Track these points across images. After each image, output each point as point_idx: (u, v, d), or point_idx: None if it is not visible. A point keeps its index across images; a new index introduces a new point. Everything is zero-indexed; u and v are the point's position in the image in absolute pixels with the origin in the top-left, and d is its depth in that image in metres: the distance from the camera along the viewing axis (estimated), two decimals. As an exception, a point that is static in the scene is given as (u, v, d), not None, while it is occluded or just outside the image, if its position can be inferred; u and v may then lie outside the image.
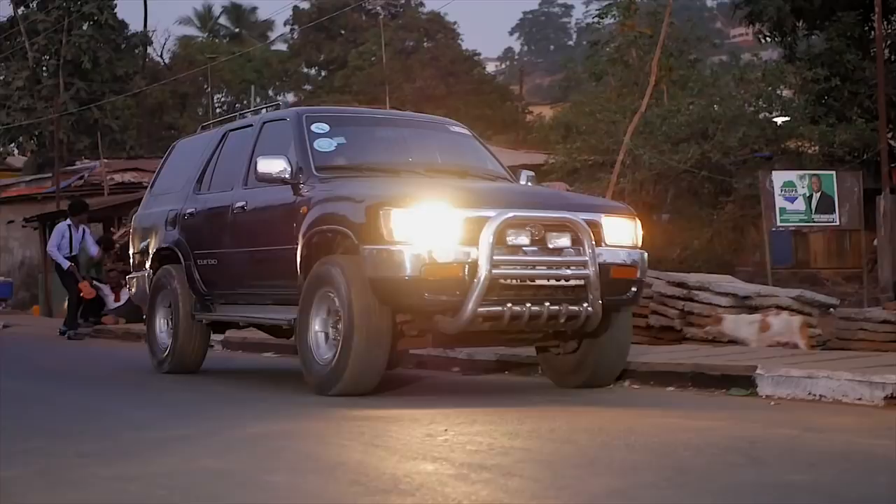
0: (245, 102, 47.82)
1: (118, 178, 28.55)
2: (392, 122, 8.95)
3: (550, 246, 6.77)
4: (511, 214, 6.63)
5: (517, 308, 6.62)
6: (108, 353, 12.90)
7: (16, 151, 44.13)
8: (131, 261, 10.36)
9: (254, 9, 60.69)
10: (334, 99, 41.14)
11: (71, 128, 38.36)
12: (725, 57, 25.12)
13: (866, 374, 6.47)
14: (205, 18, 58.40)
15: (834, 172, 15.70)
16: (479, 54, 53.55)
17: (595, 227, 6.95)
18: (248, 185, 8.22)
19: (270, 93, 52.86)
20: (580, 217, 6.88)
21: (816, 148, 21.07)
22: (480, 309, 6.50)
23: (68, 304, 16.06)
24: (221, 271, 8.58)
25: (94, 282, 16.62)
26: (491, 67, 75.64)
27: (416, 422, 5.70)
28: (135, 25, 47.31)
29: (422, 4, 54.80)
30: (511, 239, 6.65)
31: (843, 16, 22.29)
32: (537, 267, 6.72)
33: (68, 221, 15.96)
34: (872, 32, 21.16)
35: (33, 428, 5.79)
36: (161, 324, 9.45)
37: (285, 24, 58.42)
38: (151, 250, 9.61)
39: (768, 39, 24.56)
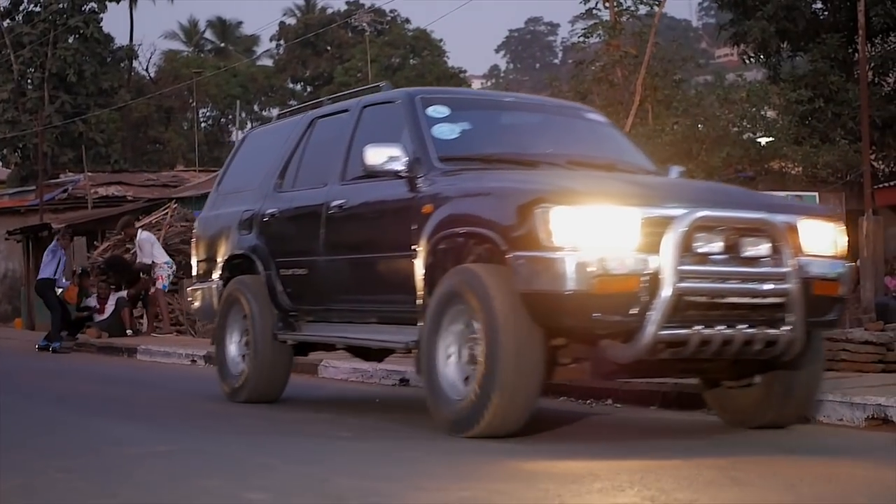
0: (230, 117, 47.88)
1: (102, 191, 28.53)
2: (520, 106, 7.85)
3: (744, 254, 5.54)
4: (702, 214, 5.38)
5: (707, 332, 5.37)
6: (94, 368, 12.84)
7: (-1, 164, 44.10)
8: (194, 270, 8.86)
9: (239, 23, 60.39)
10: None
11: (55, 141, 38.32)
12: (710, 77, 25.22)
13: (848, 395, 6.48)
14: (190, 33, 58.37)
15: (817, 193, 15.78)
16: (465, 71, 53.88)
17: (792, 231, 5.71)
18: (347, 180, 7.04)
19: (255, 108, 52.93)
20: (778, 219, 5.67)
21: (800, 169, 21.18)
22: (662, 332, 5.28)
23: (52, 318, 16.15)
24: (311, 283, 7.27)
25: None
26: (477, 85, 75.96)
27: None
28: (120, 39, 47.41)
29: (408, 21, 55.01)
30: (699, 245, 5.41)
31: (827, 38, 22.46)
32: (729, 280, 5.46)
33: (55, 245, 16.35)
34: (856, 54, 21.29)
35: (16, 443, 5.74)
36: (233, 344, 8.00)
37: (271, 39, 58.06)
38: (221, 258, 8.21)
39: (753, 60, 24.69)
